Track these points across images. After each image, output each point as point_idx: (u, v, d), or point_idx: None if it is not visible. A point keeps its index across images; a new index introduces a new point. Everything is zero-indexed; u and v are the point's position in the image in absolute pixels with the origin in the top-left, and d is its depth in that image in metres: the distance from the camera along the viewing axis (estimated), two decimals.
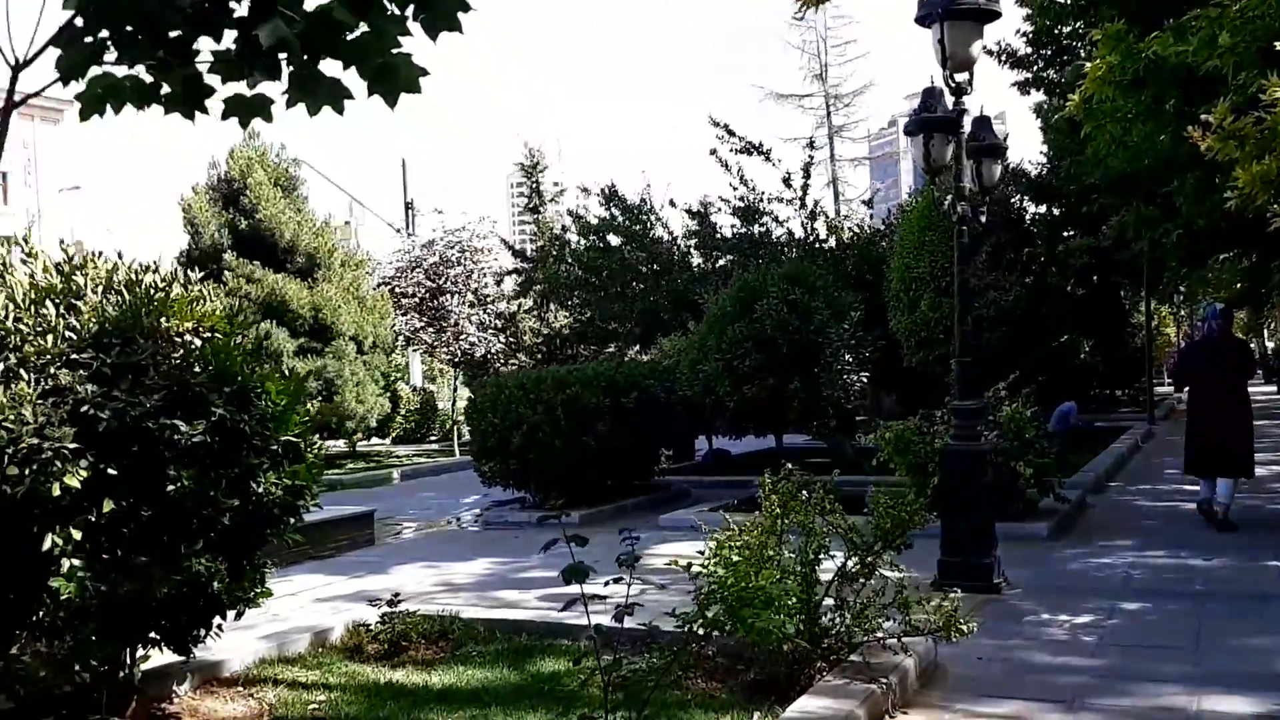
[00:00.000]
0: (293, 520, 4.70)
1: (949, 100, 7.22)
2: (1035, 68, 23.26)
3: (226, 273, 17.56)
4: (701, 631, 4.56)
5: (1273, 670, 5.04)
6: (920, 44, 7.24)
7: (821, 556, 5.09)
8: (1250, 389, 10.22)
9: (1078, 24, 22.22)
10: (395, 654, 5.60)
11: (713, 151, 16.51)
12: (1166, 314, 44.99)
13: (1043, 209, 27.90)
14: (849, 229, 19.56)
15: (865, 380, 11.18)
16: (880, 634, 4.87)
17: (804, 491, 5.18)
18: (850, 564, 5.08)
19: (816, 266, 13.04)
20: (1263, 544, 8.35)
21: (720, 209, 17.63)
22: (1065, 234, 17.65)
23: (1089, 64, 10.76)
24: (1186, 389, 10.15)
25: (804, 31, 47.60)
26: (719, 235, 17.42)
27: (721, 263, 17.59)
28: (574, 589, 3.61)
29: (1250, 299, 28.66)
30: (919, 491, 9.78)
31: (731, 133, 16.39)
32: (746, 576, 4.67)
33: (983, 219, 7.98)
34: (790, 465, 5.30)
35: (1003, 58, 23.56)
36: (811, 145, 16.87)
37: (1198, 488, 9.75)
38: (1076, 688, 4.89)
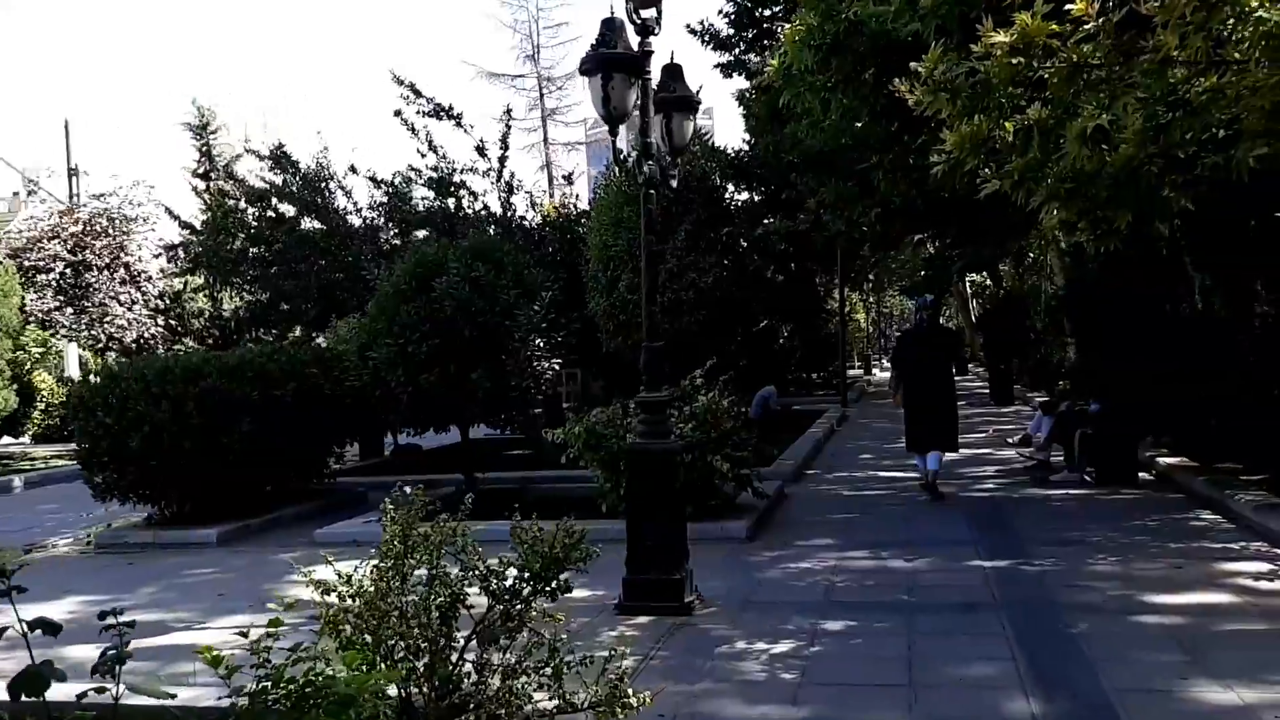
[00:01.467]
0: None
1: (633, 38, 6.12)
2: (737, 50, 23.27)
3: None
4: None
5: (997, 711, 4.29)
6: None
7: (460, 606, 3.82)
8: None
9: (778, 7, 22.42)
10: None
11: (397, 113, 14.80)
12: (858, 301, 47.88)
13: (744, 196, 28.34)
14: (554, 207, 18.50)
15: (558, 367, 10.04)
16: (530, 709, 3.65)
17: (433, 525, 3.88)
18: (493, 615, 3.83)
19: (510, 242, 11.81)
20: (961, 537, 7.98)
21: (414, 180, 15.95)
22: (766, 220, 17.48)
23: (789, 27, 10.19)
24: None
25: (515, 10, 46.30)
26: (410, 208, 15.74)
27: (421, 236, 15.99)
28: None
29: (931, 287, 30.62)
30: (614, 490, 8.85)
31: (418, 92, 14.73)
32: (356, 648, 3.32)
33: (674, 182, 6.97)
34: (409, 488, 3.99)
35: (705, 37, 23.36)
36: (509, 114, 15.59)
37: (889, 474, 10.56)
38: None
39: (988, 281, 39.84)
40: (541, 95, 48.47)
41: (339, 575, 3.84)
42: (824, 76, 9.49)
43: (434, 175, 15.76)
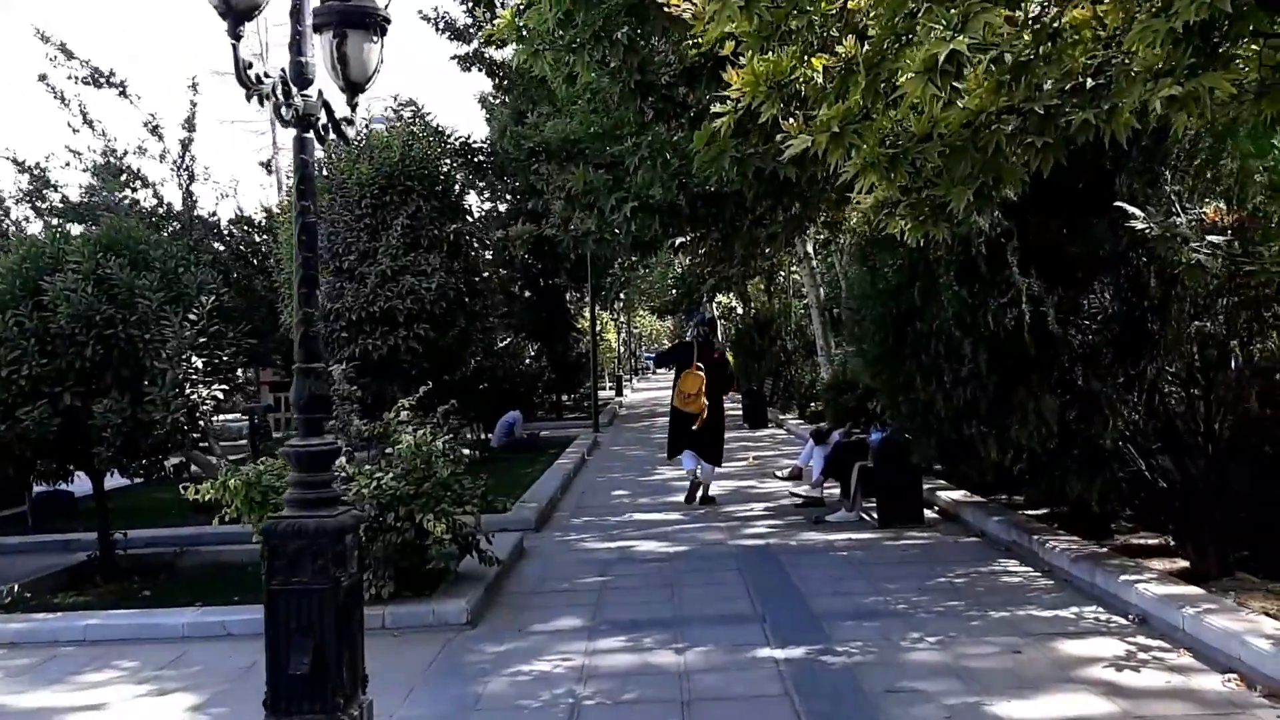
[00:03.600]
0: None
1: None
2: (477, 40, 21.21)
3: None
4: None
5: None
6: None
7: None
8: None
9: None
10: None
11: (43, 78, 11.70)
12: (609, 320, 46.85)
13: (488, 206, 26.27)
14: (265, 206, 15.69)
15: (220, 395, 7.58)
16: None
17: None
18: None
19: (168, 235, 9.23)
20: (741, 610, 6.31)
21: (70, 164, 12.75)
22: (507, 225, 15.56)
23: None
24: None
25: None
26: (65, 199, 12.54)
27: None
28: None
29: (679, 307, 29.76)
30: None
31: (69, 53, 11.66)
32: None
33: (351, 130, 4.84)
34: None
35: (440, 26, 21.16)
36: (195, 89, 12.76)
37: (646, 514, 9.80)
38: None
39: (733, 302, 39.92)
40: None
41: None
42: (568, 33, 7.70)
43: (100, 160, 12.66)
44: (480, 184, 24.36)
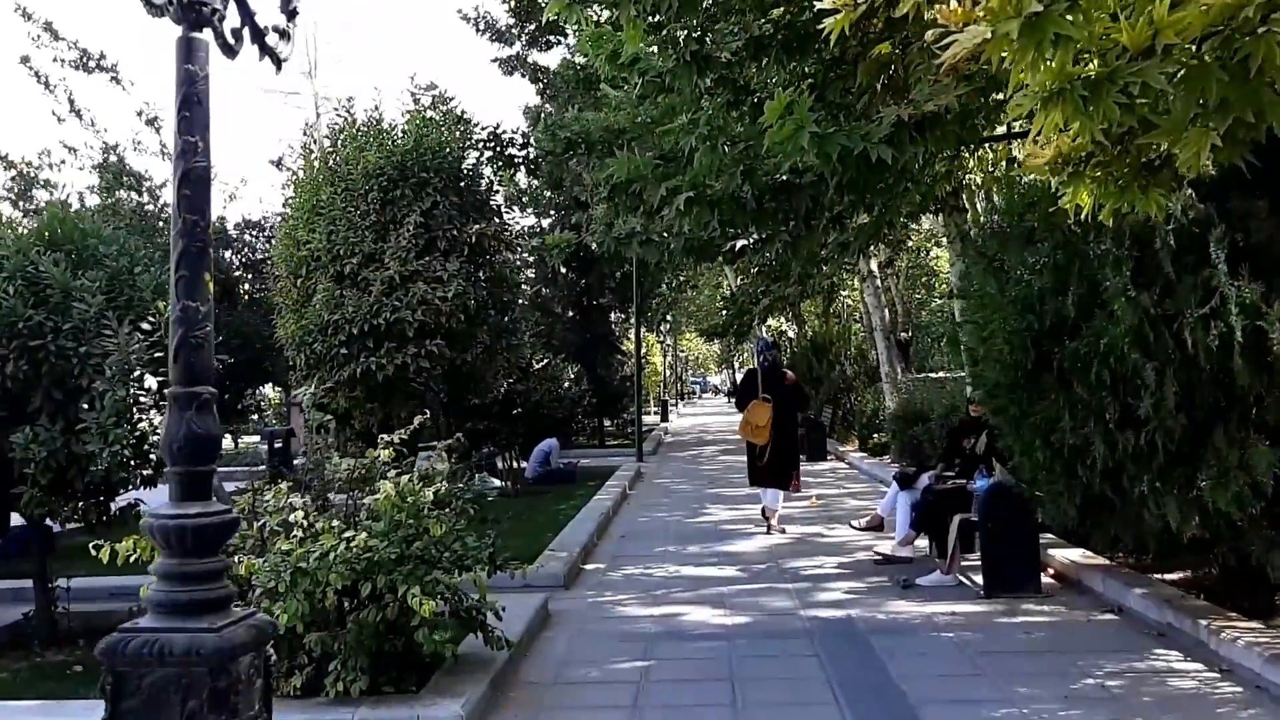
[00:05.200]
0: None
1: None
2: (519, 43, 19.89)
3: None
4: None
5: None
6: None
7: None
8: None
9: None
10: None
11: (25, 60, 10.49)
12: (655, 342, 45.36)
13: (529, 222, 24.88)
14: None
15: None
16: None
17: None
18: None
19: (131, 231, 7.90)
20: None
21: (68, 163, 11.52)
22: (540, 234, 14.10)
23: None
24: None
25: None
26: (55, 200, 11.30)
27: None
28: None
29: (729, 330, 28.12)
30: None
31: (56, 33, 10.42)
32: None
33: (285, 51, 3.36)
34: None
35: (481, 26, 19.89)
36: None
37: (698, 568, 8.51)
38: None
39: (783, 327, 38.23)
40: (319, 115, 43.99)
41: None
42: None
43: (102, 156, 11.41)
44: (519, 193, 23.09)
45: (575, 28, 6.38)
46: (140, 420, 6.00)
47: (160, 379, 6.23)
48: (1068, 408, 4.96)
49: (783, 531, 10.25)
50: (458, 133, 8.52)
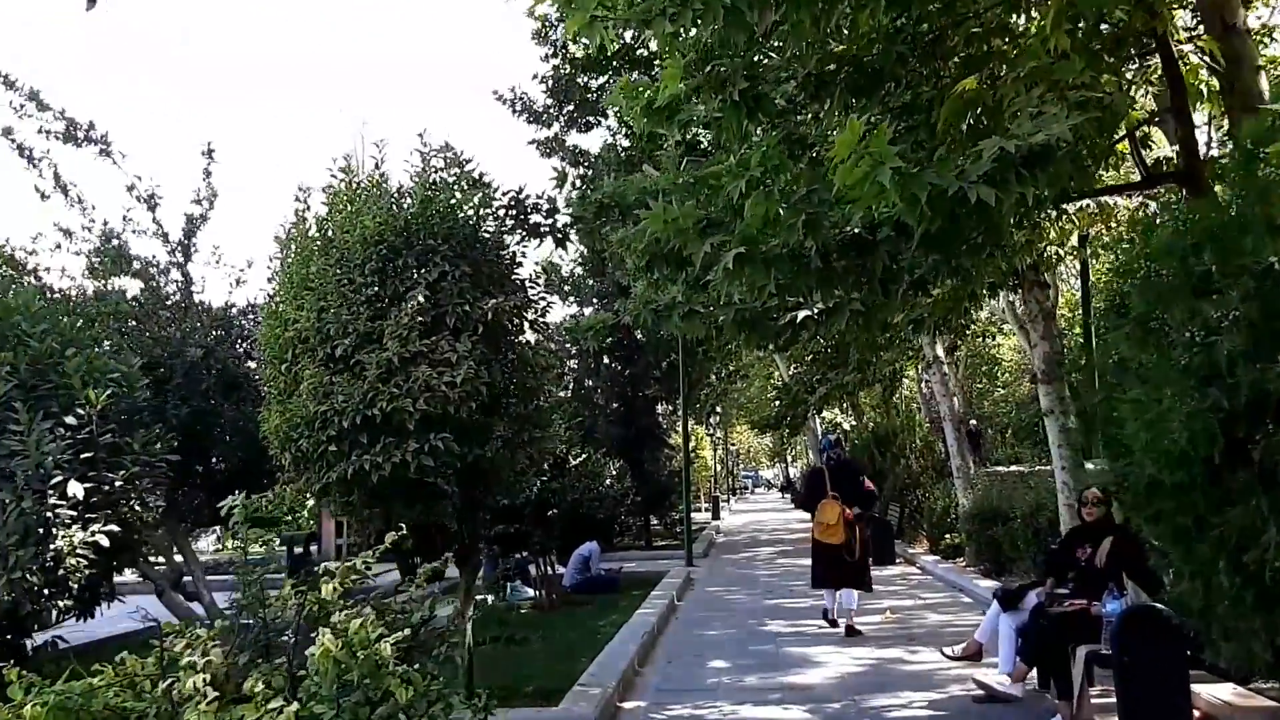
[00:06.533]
0: None
1: None
2: (557, 124, 19.11)
3: None
4: None
5: None
6: None
7: None
8: None
9: (605, 77, 18.40)
10: None
11: (8, 132, 9.54)
12: (704, 435, 43.83)
13: (571, 309, 23.82)
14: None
15: (105, 541, 4.92)
16: None
17: None
18: None
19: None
20: None
21: (64, 247, 10.56)
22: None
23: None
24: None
25: None
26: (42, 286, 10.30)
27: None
28: None
29: (781, 422, 26.66)
30: None
31: (43, 104, 9.46)
32: None
33: None
34: None
35: (517, 107, 19.15)
36: (210, 155, 10.59)
37: (759, 708, 7.12)
38: None
39: (839, 419, 36.60)
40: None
41: None
42: None
43: (99, 239, 10.48)
44: (561, 281, 22.06)
45: (581, 24, 5.24)
46: (58, 539, 4.78)
47: (89, 485, 5.04)
48: (1273, 517, 3.57)
49: (858, 634, 9.91)
50: (474, 197, 7.41)
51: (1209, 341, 3.62)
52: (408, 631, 3.92)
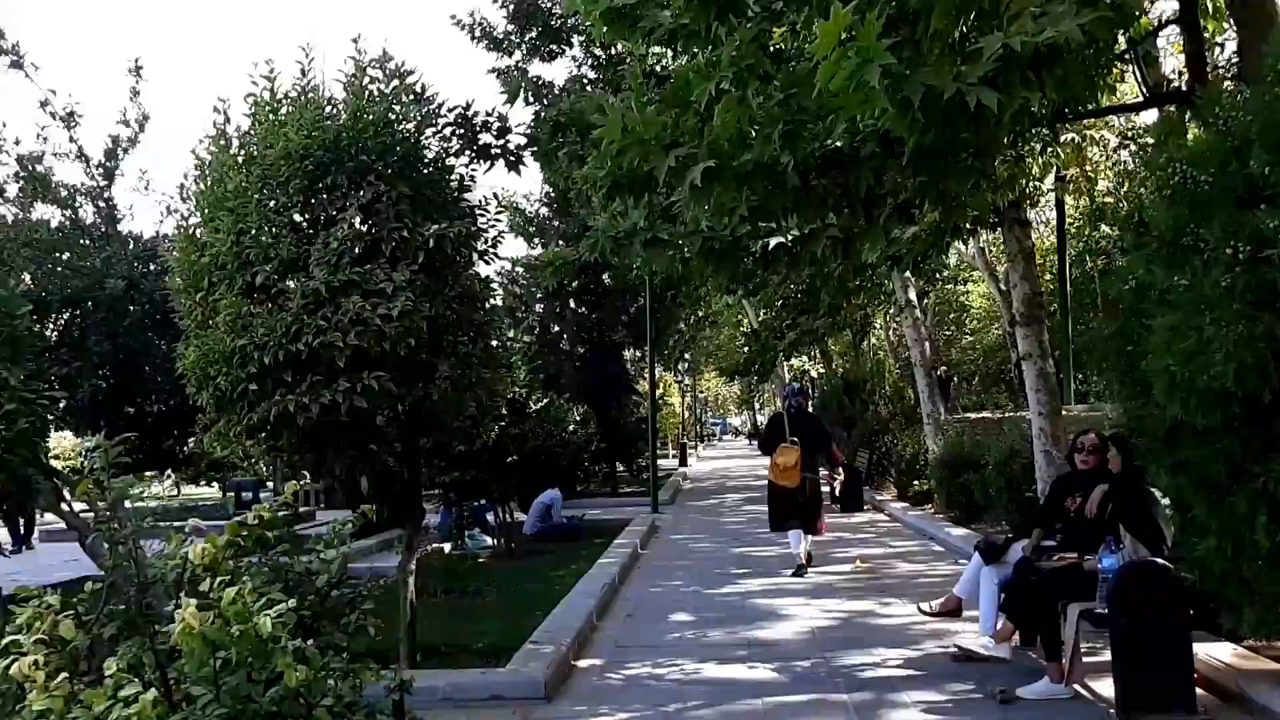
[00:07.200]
0: None
1: None
2: (519, 52, 18.18)
3: None
4: None
5: None
6: None
7: None
8: None
9: None
10: None
11: None
12: (672, 382, 43.36)
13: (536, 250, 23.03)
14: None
15: None
16: None
17: None
18: None
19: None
20: None
21: None
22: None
23: None
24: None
25: None
26: None
27: None
28: None
29: (750, 369, 26.13)
30: None
31: None
32: None
33: None
34: None
35: (475, 33, 18.19)
36: (138, 72, 9.67)
37: (723, 668, 6.60)
38: None
39: (807, 366, 36.16)
40: None
41: None
42: None
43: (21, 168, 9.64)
44: (526, 221, 21.25)
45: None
46: None
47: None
48: None
49: (809, 560, 10.32)
50: (413, 111, 6.67)
51: (1262, 257, 3.03)
52: (312, 598, 3.32)
